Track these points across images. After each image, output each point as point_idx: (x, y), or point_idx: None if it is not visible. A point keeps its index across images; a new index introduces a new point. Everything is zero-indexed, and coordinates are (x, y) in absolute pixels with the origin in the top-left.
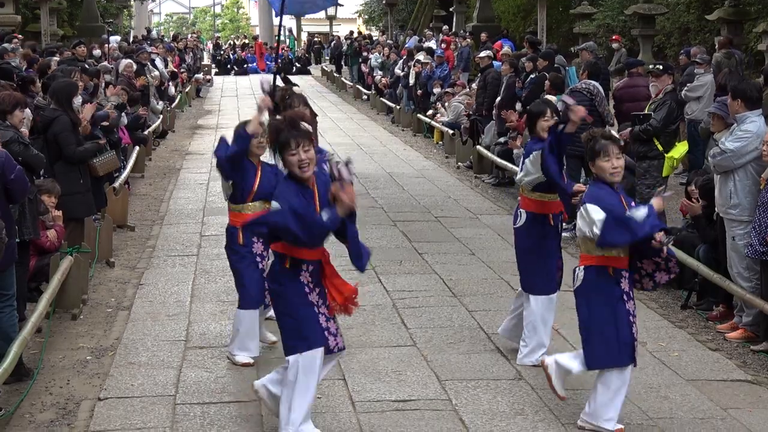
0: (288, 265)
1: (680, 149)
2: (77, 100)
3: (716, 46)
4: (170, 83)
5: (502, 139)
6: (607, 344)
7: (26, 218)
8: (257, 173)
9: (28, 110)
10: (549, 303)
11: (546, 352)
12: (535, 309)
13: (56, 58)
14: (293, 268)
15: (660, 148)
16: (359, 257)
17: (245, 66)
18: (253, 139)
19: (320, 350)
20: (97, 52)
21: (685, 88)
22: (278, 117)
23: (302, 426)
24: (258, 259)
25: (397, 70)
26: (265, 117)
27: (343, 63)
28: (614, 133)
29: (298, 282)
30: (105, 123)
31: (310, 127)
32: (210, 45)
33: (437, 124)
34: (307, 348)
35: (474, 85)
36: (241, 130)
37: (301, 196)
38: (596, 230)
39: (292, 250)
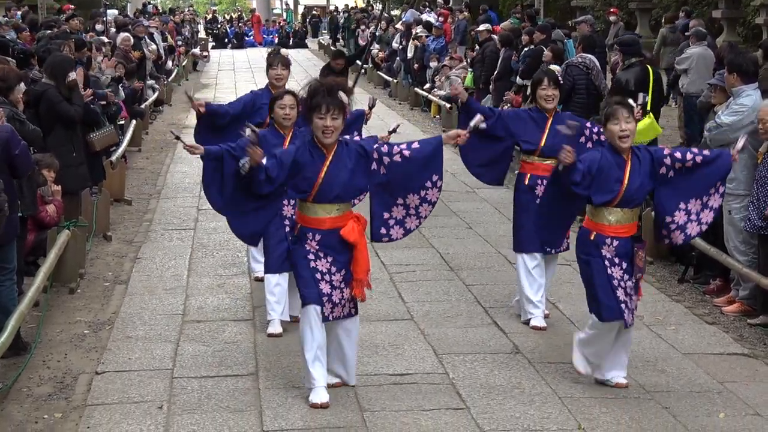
0: (296, 233)
1: (643, 127)
2: (72, 75)
3: (663, 21)
4: (168, 57)
5: None
6: (591, 298)
7: (24, 194)
8: (285, 142)
9: (22, 84)
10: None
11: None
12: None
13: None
14: (301, 235)
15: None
16: None
17: (244, 39)
18: (279, 110)
19: (314, 308)
20: (99, 26)
21: (675, 61)
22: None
23: (311, 369)
24: (286, 222)
25: (395, 44)
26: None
27: (339, 36)
28: None
29: (303, 248)
30: (103, 102)
31: (347, 99)
32: (203, 20)
33: (434, 98)
34: (303, 303)
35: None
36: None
37: (307, 155)
38: None
39: (301, 217)
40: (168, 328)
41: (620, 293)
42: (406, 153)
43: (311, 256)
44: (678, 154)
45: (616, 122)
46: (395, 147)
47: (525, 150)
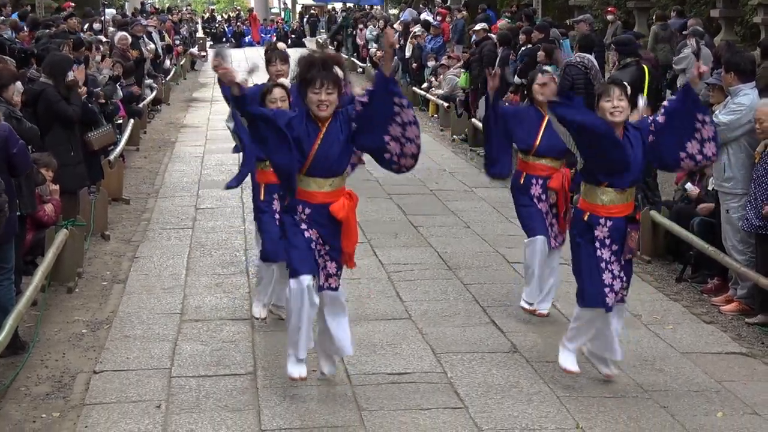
0: (286, 203)
1: None
2: (71, 74)
3: (654, 18)
4: (166, 56)
5: None
6: (578, 283)
7: (23, 192)
8: None
9: (19, 83)
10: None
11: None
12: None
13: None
14: (290, 207)
15: None
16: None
17: (242, 38)
18: (270, 104)
19: (307, 278)
20: (97, 26)
21: (673, 60)
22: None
23: (298, 337)
24: (277, 216)
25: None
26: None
27: (337, 35)
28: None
29: (292, 217)
30: (101, 101)
31: (342, 74)
32: (200, 19)
33: (432, 97)
34: (296, 274)
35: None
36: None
37: (301, 127)
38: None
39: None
40: (166, 327)
41: (606, 276)
42: (364, 99)
43: (303, 225)
44: (655, 117)
45: (608, 99)
46: (356, 99)
47: (520, 148)
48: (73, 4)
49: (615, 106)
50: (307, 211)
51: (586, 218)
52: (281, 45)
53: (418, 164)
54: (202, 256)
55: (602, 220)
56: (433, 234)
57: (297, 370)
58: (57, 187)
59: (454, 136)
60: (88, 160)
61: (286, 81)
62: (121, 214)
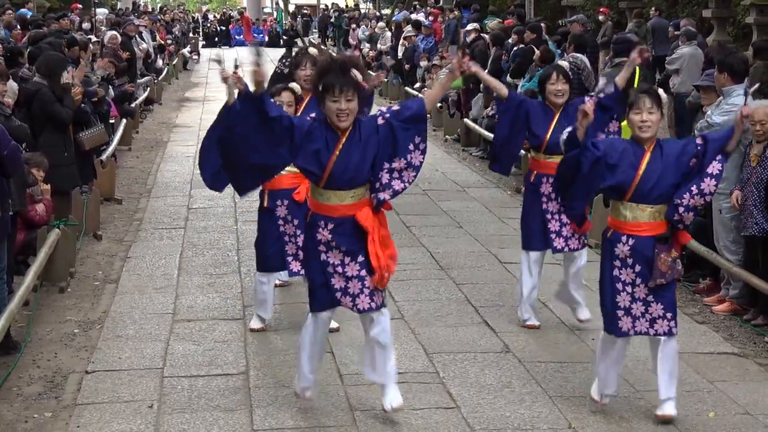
0: (308, 220)
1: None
2: (65, 76)
3: (631, 16)
4: (158, 56)
5: (490, 112)
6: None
7: (12, 190)
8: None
9: (13, 83)
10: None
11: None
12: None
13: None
14: (312, 223)
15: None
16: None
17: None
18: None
19: (321, 315)
20: (86, 25)
21: (666, 61)
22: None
23: (305, 372)
24: (280, 222)
25: (380, 46)
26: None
27: (329, 35)
28: None
29: (314, 240)
30: (94, 99)
31: (360, 76)
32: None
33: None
34: (311, 309)
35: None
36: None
37: (320, 137)
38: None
39: (313, 203)
40: (158, 327)
41: (623, 299)
42: (387, 115)
43: (322, 248)
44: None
45: (638, 112)
46: (378, 111)
47: (531, 144)
48: (80, 6)
49: (644, 120)
50: (330, 226)
51: (609, 235)
52: (312, 51)
53: None
54: (194, 256)
55: (624, 238)
56: (425, 234)
57: (300, 389)
58: (48, 187)
59: (447, 136)
60: (79, 160)
61: (296, 86)
62: (113, 214)
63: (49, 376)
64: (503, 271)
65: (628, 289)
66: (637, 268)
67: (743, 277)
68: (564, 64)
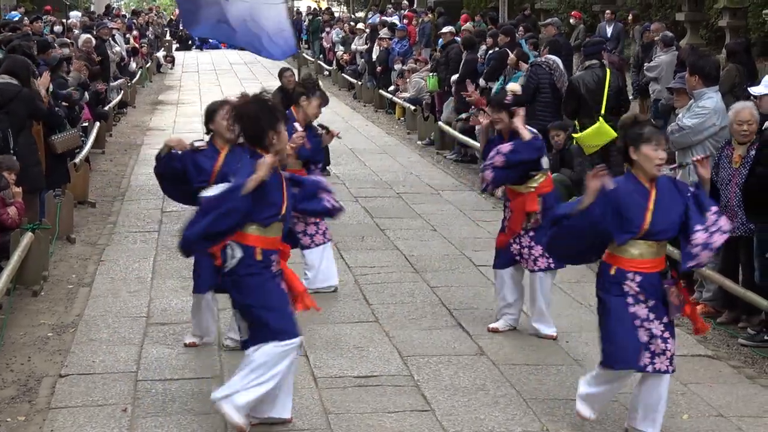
0: (260, 257)
1: (592, 132)
2: (36, 82)
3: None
4: (131, 59)
5: (464, 116)
6: (605, 342)
7: None
8: (218, 161)
9: None
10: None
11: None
12: None
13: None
14: (264, 259)
15: (577, 127)
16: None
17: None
18: (224, 121)
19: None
20: (58, 28)
21: (645, 67)
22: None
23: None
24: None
25: (354, 46)
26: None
27: (303, 38)
28: None
29: (269, 271)
30: (65, 104)
31: (278, 104)
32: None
33: (399, 100)
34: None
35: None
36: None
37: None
38: None
39: (259, 239)
40: (132, 330)
41: (642, 334)
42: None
43: (278, 280)
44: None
45: (655, 147)
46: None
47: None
48: (51, 9)
49: (661, 158)
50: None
51: (613, 272)
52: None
53: (385, 166)
54: (168, 259)
55: (630, 275)
56: (399, 237)
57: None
58: (20, 189)
59: (420, 141)
60: (53, 164)
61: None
62: (86, 217)
63: (23, 380)
64: (477, 274)
65: (647, 325)
66: (650, 303)
67: (716, 280)
68: (515, 87)
